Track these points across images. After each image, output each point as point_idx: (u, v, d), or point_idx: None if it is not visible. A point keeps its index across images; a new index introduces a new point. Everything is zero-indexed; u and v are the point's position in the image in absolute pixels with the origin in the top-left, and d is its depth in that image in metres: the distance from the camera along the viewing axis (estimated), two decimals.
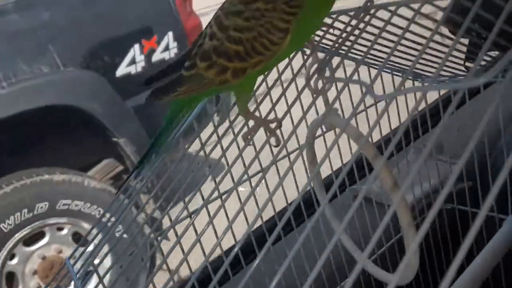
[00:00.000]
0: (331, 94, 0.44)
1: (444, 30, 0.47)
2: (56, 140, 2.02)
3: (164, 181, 0.54)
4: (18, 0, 1.80)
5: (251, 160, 0.44)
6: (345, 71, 0.46)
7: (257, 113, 0.47)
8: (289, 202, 0.63)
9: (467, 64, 0.52)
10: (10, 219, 1.72)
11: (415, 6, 0.36)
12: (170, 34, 2.06)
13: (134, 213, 0.77)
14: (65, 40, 1.86)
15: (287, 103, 0.47)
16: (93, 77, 1.90)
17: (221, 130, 0.51)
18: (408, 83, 0.61)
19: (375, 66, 0.52)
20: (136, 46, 1.98)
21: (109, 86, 1.91)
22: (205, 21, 2.44)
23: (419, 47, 0.44)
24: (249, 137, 0.45)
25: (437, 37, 0.41)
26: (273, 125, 0.44)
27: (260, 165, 0.48)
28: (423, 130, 0.72)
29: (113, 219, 0.59)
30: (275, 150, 0.43)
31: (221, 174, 0.48)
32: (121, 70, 1.96)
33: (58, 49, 1.82)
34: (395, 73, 0.54)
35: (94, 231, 0.68)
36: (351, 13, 0.39)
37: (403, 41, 0.40)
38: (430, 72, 0.53)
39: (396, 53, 0.44)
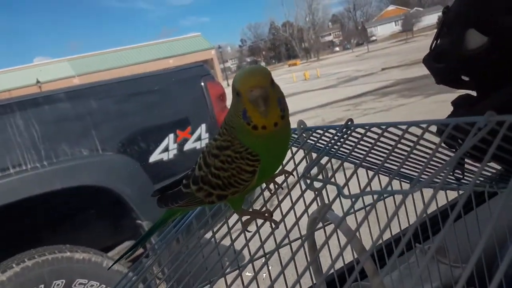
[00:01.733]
0: (333, 193, 0.49)
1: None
2: (83, 218, 2.09)
3: (178, 266, 0.59)
4: (69, 91, 2.03)
5: (258, 246, 0.48)
6: (344, 173, 0.51)
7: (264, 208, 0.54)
8: None
9: (456, 174, 0.55)
10: None
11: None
12: (203, 126, 2.23)
13: None
14: (107, 127, 2.04)
15: (291, 199, 0.52)
16: (127, 161, 2.03)
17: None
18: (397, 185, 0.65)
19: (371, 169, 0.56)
20: (171, 136, 2.14)
21: (142, 170, 2.03)
22: None
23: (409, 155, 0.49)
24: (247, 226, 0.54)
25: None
26: (265, 214, 0.52)
27: (264, 250, 0.51)
28: (433, 231, 0.73)
29: None
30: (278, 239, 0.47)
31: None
32: (154, 156, 2.10)
33: (100, 135, 1.99)
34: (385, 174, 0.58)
35: None
36: (337, 128, 0.47)
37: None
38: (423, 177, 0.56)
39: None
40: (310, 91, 15.54)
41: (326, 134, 0.48)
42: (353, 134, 0.45)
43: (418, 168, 0.53)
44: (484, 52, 0.52)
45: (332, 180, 0.41)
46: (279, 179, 0.57)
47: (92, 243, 2.00)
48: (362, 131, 0.43)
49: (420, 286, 0.59)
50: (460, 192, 0.63)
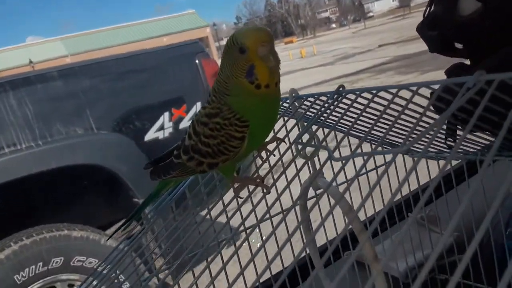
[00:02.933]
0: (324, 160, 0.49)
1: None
2: (80, 197, 2.10)
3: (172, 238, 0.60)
4: (62, 69, 2.00)
5: (249, 212, 0.48)
6: (336, 139, 0.51)
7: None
8: (284, 265, 0.65)
9: (448, 142, 0.55)
10: (25, 272, 1.75)
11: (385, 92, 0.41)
12: (199, 104, 2.21)
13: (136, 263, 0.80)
14: (101, 106, 2.02)
15: (283, 166, 0.52)
16: (122, 140, 2.03)
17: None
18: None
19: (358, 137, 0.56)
20: (166, 114, 2.13)
21: (137, 149, 2.03)
22: None
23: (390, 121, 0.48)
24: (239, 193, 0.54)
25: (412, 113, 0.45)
26: (257, 180, 0.53)
27: (256, 217, 0.51)
28: (427, 202, 0.74)
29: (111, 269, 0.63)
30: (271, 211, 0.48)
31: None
32: (150, 135, 2.09)
33: (94, 113, 1.97)
34: (373, 142, 0.58)
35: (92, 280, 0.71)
36: (328, 95, 0.46)
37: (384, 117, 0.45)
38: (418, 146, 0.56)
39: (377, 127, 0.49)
40: (306, 69, 15.42)
41: (318, 101, 0.48)
42: (345, 100, 0.45)
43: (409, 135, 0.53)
44: (478, 18, 0.51)
45: (323, 145, 0.41)
46: (271, 147, 0.57)
47: (89, 221, 2.02)
48: (353, 97, 0.42)
49: (411, 253, 0.61)
50: (453, 163, 0.63)
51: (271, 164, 0.51)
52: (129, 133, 2.05)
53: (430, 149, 0.58)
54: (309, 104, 0.49)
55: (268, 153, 0.56)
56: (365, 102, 0.44)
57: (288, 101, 0.55)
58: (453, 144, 0.54)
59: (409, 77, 8.17)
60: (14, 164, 1.80)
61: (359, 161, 0.52)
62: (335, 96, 0.45)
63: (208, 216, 0.60)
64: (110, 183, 2.04)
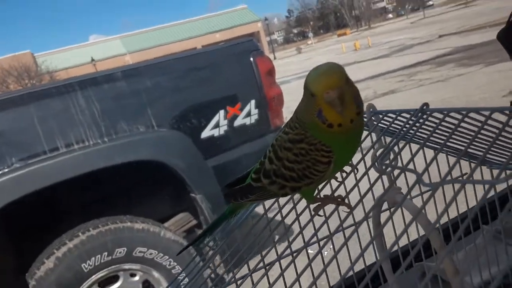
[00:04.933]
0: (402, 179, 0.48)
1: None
2: (141, 191, 2.21)
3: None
4: (126, 69, 2.11)
5: (321, 224, 0.48)
6: (425, 159, 0.49)
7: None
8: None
9: None
10: (91, 260, 1.87)
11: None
12: (253, 102, 2.24)
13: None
14: (161, 104, 2.11)
15: (355, 178, 0.52)
16: (180, 137, 2.10)
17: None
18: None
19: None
20: (221, 112, 2.17)
21: (194, 146, 2.09)
22: (284, 88, 2.61)
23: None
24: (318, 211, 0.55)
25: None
26: (338, 199, 0.53)
27: (329, 229, 0.52)
28: (492, 216, 0.69)
29: (186, 280, 0.66)
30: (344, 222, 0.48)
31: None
32: (206, 132, 2.15)
33: (154, 111, 2.06)
34: (463, 158, 0.55)
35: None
36: (411, 112, 0.45)
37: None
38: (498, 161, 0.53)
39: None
40: (360, 62, 14.98)
41: (399, 117, 0.46)
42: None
43: (502, 155, 0.50)
44: None
45: (409, 167, 0.40)
46: (346, 168, 0.56)
47: (148, 214, 2.12)
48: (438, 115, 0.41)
49: (487, 267, 0.57)
50: None
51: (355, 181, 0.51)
52: (186, 131, 2.12)
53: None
54: (389, 120, 0.48)
55: (345, 175, 0.56)
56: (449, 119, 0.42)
57: (365, 115, 0.54)
58: None
59: (472, 69, 7.66)
60: (83, 159, 1.92)
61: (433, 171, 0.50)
62: (419, 114, 0.44)
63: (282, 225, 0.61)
64: (169, 178, 2.13)
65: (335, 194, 0.55)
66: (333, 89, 0.43)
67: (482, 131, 0.37)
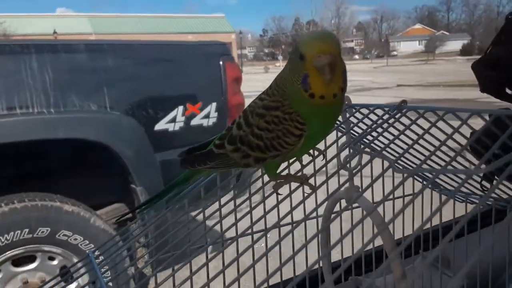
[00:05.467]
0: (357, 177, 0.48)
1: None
2: (78, 172, 2.09)
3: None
4: (89, 44, 2.01)
5: (259, 217, 0.47)
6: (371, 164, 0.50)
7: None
8: (296, 273, 0.63)
9: (483, 183, 0.54)
10: (9, 235, 1.72)
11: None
12: (214, 104, 2.21)
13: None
14: (119, 87, 2.03)
15: (314, 169, 0.51)
16: (133, 124, 2.02)
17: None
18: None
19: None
20: (180, 108, 2.12)
21: (145, 136, 2.02)
22: (246, 102, 2.62)
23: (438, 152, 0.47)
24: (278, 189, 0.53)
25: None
26: (302, 178, 0.51)
27: (265, 223, 0.50)
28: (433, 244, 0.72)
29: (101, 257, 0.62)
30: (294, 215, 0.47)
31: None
32: (161, 125, 2.09)
33: (111, 93, 1.97)
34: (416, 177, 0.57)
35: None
36: (386, 109, 0.45)
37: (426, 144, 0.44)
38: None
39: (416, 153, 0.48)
40: None
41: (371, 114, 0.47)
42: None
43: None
44: None
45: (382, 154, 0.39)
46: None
47: (83, 197, 2.00)
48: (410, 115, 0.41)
49: None
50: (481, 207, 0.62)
51: (315, 168, 0.50)
52: (140, 119, 2.04)
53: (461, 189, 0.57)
54: (360, 115, 0.48)
55: (312, 157, 0.54)
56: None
57: None
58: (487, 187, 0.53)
59: (421, 122, 8.16)
60: (23, 126, 1.79)
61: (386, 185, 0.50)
62: (394, 111, 0.44)
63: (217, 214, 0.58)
64: (111, 164, 2.03)
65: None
66: (326, 54, 0.41)
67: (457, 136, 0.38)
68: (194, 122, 2.17)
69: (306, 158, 0.55)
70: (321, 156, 0.54)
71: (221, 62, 2.26)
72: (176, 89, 2.16)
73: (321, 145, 0.53)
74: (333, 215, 0.52)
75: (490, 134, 0.44)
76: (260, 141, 0.46)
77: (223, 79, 2.26)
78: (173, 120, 2.11)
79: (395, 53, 65.20)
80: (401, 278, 0.34)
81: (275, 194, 0.52)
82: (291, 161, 0.55)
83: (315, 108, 0.44)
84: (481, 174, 0.60)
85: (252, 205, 0.53)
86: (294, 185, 0.51)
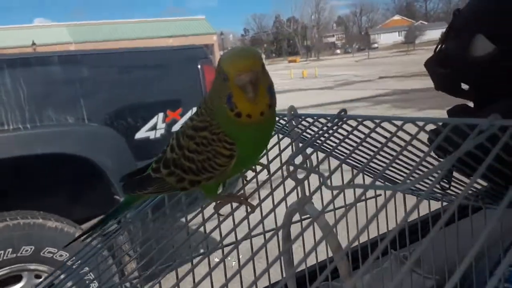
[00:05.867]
0: (315, 187, 0.47)
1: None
2: (60, 187, 2.05)
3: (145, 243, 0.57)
4: (63, 55, 1.98)
5: (228, 231, 0.46)
6: (329, 166, 0.49)
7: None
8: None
9: (442, 183, 0.54)
10: None
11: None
12: (195, 109, 2.20)
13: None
14: (96, 98, 1.99)
15: (271, 186, 0.51)
16: (112, 134, 1.99)
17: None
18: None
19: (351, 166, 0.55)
20: (161, 115, 2.10)
21: (126, 146, 1.99)
22: None
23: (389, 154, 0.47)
24: (220, 210, 0.51)
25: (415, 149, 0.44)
26: (241, 198, 0.49)
27: (236, 236, 0.49)
28: (411, 240, 0.72)
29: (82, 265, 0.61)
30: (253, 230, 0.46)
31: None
32: (141, 133, 2.06)
33: (89, 104, 1.94)
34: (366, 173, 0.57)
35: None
36: (328, 118, 0.45)
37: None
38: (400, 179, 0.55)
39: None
40: (306, 90, 15.54)
41: (316, 123, 0.46)
42: (345, 126, 0.43)
43: (407, 171, 0.52)
44: (490, 60, 0.51)
45: (317, 170, 0.39)
46: (259, 167, 0.54)
47: (67, 213, 1.97)
48: (354, 123, 0.41)
49: None
50: (444, 203, 0.62)
51: (259, 183, 0.49)
52: (120, 129, 2.02)
53: (421, 185, 0.57)
54: (307, 124, 0.48)
55: (255, 173, 0.53)
56: (366, 130, 0.42)
57: (285, 118, 0.53)
58: (447, 186, 0.53)
59: (406, 111, 8.27)
60: None
61: (349, 190, 0.50)
62: (335, 120, 0.44)
63: (186, 229, 0.58)
64: (93, 176, 2.00)
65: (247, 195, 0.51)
66: (246, 72, 0.39)
67: (393, 146, 0.38)
68: (175, 128, 2.15)
69: (250, 174, 0.54)
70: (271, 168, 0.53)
71: (199, 66, 2.24)
72: (155, 96, 2.14)
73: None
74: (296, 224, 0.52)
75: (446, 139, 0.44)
76: (192, 164, 0.45)
77: (202, 83, 2.24)
78: (154, 128, 2.09)
79: (376, 45, 65.83)
80: (347, 276, 0.33)
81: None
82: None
83: (243, 127, 0.43)
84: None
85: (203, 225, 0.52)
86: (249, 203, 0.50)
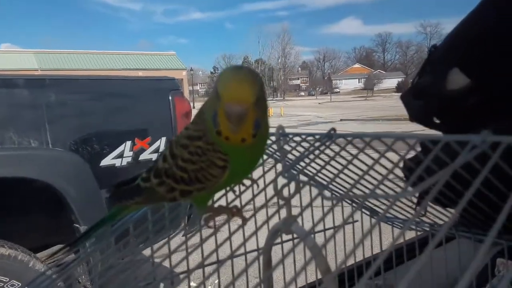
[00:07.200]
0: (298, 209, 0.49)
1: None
2: (19, 213, 1.95)
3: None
4: (30, 78, 1.94)
5: (211, 251, 0.46)
6: (309, 191, 0.52)
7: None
8: None
9: (418, 208, 0.57)
10: None
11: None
12: (164, 139, 2.20)
13: None
14: (62, 123, 1.95)
15: (254, 205, 0.52)
16: (77, 161, 1.94)
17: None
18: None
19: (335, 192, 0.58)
20: (128, 143, 2.08)
21: (90, 172, 1.94)
22: None
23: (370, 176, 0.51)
24: (211, 222, 0.51)
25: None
26: (233, 210, 0.50)
27: (217, 256, 0.49)
28: (385, 268, 0.73)
29: None
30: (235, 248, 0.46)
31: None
32: (107, 161, 2.02)
33: (54, 129, 1.90)
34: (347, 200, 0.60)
35: None
36: (317, 136, 0.48)
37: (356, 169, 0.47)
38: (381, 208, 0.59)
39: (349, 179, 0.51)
40: (271, 127, 15.74)
41: (304, 142, 0.49)
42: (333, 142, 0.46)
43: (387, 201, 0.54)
44: (464, 94, 0.53)
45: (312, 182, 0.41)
46: (248, 182, 0.55)
47: (22, 240, 1.86)
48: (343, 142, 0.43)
49: None
50: (419, 232, 0.65)
51: (250, 197, 0.51)
52: (85, 155, 1.97)
53: (398, 216, 0.60)
54: (294, 144, 0.50)
55: (245, 187, 0.53)
56: (354, 150, 0.44)
57: (273, 137, 0.53)
58: (422, 212, 0.56)
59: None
60: None
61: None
62: (325, 139, 0.46)
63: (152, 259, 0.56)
64: (54, 203, 1.92)
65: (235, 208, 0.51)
66: (238, 103, 0.38)
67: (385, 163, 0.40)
68: (143, 156, 2.13)
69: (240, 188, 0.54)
70: (260, 184, 0.52)
71: (170, 97, 2.26)
72: (123, 124, 2.12)
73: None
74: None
75: (420, 161, 0.45)
76: (184, 174, 0.44)
77: (172, 114, 2.25)
78: (121, 155, 2.06)
79: (337, 90, 68.54)
80: None
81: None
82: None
83: (227, 145, 0.42)
84: (415, 200, 0.63)
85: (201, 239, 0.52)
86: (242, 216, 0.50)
